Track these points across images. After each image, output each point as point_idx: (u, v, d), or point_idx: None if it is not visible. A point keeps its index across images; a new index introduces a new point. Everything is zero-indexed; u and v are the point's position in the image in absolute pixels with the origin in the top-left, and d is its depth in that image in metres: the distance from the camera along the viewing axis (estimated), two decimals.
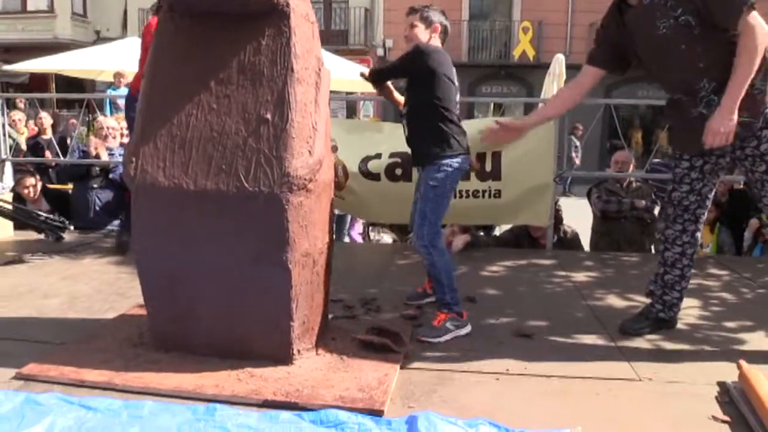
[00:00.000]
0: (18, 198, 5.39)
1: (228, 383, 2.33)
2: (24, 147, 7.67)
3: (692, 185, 2.86)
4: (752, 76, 2.56)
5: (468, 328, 2.96)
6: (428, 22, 3.11)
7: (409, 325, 3.01)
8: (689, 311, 3.31)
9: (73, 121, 12.28)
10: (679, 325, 3.12)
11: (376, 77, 3.29)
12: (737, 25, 2.54)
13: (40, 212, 4.99)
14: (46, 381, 2.36)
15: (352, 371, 2.46)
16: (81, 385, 2.33)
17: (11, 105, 8.05)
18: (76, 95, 9.78)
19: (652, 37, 2.74)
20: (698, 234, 2.94)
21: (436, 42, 3.12)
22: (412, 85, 3.08)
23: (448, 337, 2.86)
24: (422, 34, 3.10)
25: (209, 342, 2.54)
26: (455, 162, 2.99)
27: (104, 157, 5.36)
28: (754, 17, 2.52)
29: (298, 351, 2.52)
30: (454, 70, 3.08)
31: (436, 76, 2.97)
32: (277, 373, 2.42)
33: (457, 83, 3.09)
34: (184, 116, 2.46)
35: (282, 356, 2.49)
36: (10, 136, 6.67)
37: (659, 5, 2.69)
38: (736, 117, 2.57)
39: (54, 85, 16.96)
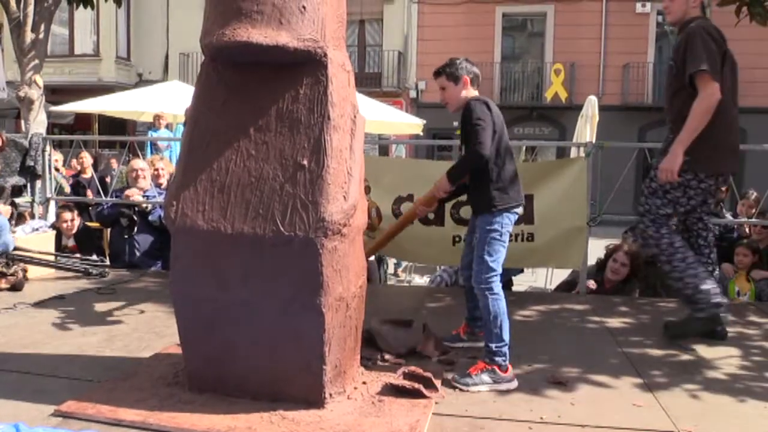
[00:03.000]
0: (58, 232, 5.67)
1: (260, 426, 2.34)
2: (67, 189, 7.98)
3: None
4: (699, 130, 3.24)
5: (510, 385, 2.83)
6: (456, 78, 3.12)
7: (441, 369, 2.99)
8: (729, 360, 3.23)
9: (113, 160, 12.67)
10: (719, 375, 3.05)
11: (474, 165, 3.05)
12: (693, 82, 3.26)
13: (75, 256, 5.19)
14: (84, 419, 2.40)
15: (383, 416, 2.45)
16: (117, 423, 2.37)
17: (56, 145, 8.42)
18: (119, 137, 10.09)
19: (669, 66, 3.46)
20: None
21: (472, 92, 3.13)
22: (470, 137, 3.00)
23: (481, 388, 2.79)
24: (455, 91, 3.12)
25: (242, 383, 2.56)
26: (514, 211, 3.05)
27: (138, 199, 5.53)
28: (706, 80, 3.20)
29: (330, 395, 2.52)
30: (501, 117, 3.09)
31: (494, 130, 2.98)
32: (308, 416, 2.42)
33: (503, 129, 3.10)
34: (223, 162, 2.54)
35: (314, 399, 2.50)
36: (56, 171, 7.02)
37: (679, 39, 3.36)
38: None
39: (97, 125, 17.56)
